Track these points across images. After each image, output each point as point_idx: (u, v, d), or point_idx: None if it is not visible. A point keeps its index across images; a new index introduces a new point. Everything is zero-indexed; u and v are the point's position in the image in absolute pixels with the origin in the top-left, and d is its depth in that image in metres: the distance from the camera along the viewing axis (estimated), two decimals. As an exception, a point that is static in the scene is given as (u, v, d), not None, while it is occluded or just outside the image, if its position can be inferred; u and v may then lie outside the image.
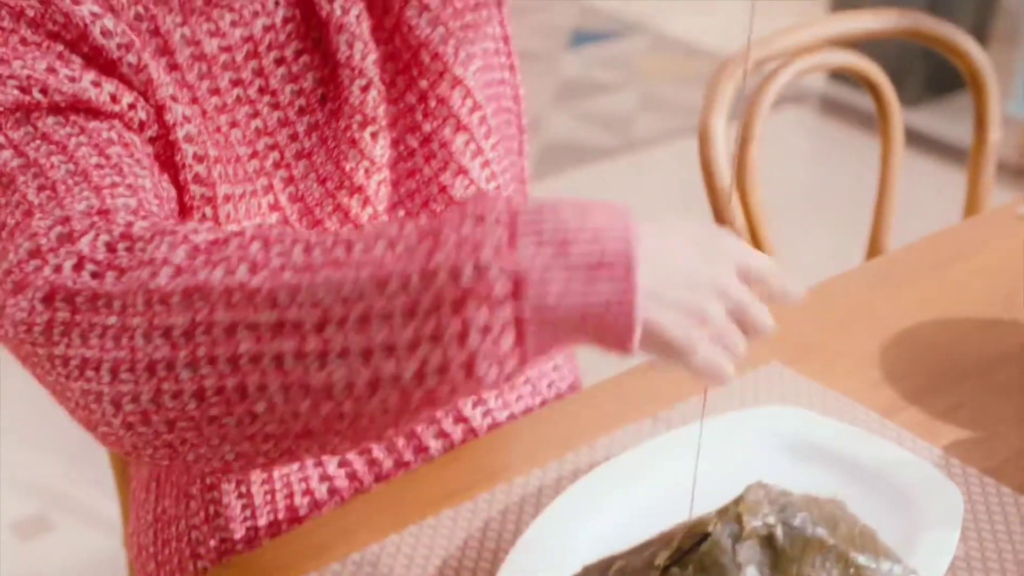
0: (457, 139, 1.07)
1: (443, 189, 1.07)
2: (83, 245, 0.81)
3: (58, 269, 0.81)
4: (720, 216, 1.42)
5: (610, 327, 0.74)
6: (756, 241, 1.46)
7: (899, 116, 1.54)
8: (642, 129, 3.66)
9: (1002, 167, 2.75)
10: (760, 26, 1.35)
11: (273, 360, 0.75)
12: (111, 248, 0.81)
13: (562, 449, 1.08)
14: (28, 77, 0.87)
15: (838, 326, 1.23)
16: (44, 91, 0.87)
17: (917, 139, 3.43)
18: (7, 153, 0.86)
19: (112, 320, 0.79)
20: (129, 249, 0.81)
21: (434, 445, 1.12)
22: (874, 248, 1.59)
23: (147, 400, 0.79)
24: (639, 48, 4.20)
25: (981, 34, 3.60)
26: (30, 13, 0.89)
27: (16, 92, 0.86)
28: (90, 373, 0.80)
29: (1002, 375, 1.16)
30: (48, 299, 0.80)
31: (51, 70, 0.88)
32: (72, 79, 0.88)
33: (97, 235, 0.82)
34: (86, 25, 0.89)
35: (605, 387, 1.17)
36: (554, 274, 0.73)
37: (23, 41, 0.88)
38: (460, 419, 1.12)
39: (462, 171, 1.08)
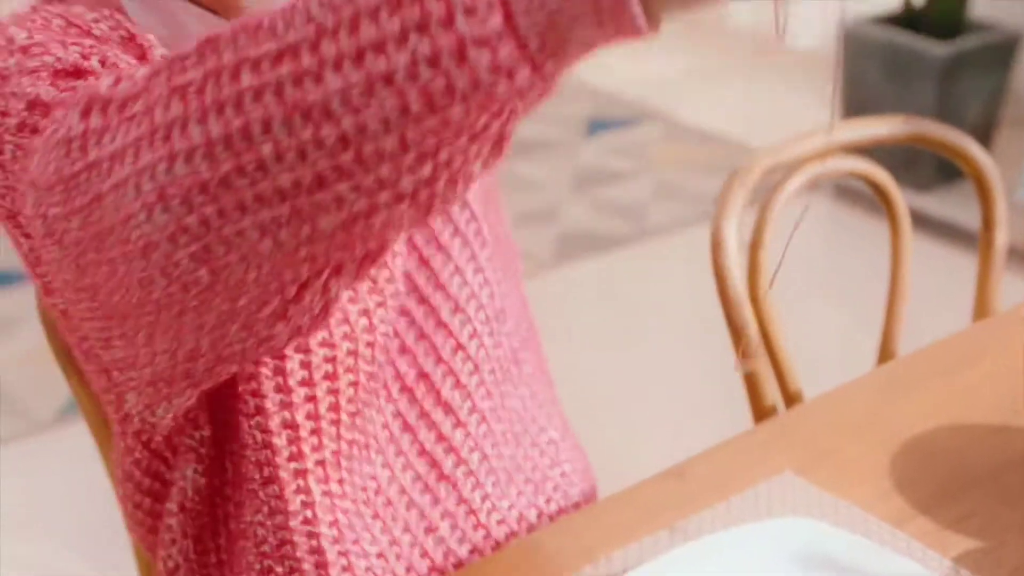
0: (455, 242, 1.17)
1: None
2: (123, 67, 0.87)
3: (96, 87, 0.85)
4: (732, 321, 1.45)
5: None
6: (768, 345, 1.49)
7: (908, 222, 1.58)
8: (657, 217, 3.70)
9: (1012, 252, 2.77)
10: (774, 127, 1.39)
11: (274, 91, 0.75)
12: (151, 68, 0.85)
13: (580, 561, 1.10)
14: (91, 46, 0.94)
15: (849, 434, 1.26)
16: (103, 62, 0.93)
17: (929, 224, 3.46)
18: (56, 92, 0.92)
19: (138, 106, 0.81)
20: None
21: (443, 526, 1.16)
22: (886, 348, 1.62)
23: (163, 172, 0.79)
24: (653, 136, 4.26)
25: (990, 119, 3.64)
26: (97, 32, 0.97)
27: (76, 56, 0.93)
28: (116, 166, 0.82)
29: (1011, 482, 1.18)
30: (85, 112, 0.85)
31: (111, 56, 0.95)
32: (129, 64, 0.95)
33: (140, 67, 0.86)
34: (149, 47, 0.98)
35: (621, 497, 1.19)
36: None
37: None
38: (462, 500, 1.17)
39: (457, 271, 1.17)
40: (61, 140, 0.86)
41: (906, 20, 3.68)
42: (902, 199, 1.57)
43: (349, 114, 0.74)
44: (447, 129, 0.75)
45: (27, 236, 0.98)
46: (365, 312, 1.10)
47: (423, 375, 1.15)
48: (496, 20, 0.71)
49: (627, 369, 2.99)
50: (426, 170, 0.77)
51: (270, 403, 1.07)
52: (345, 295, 1.06)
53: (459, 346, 1.16)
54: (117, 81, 0.85)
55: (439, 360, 1.15)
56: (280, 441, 1.08)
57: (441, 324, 1.16)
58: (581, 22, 0.71)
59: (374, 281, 1.11)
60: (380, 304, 1.11)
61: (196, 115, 0.78)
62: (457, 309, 1.17)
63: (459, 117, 0.74)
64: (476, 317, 1.18)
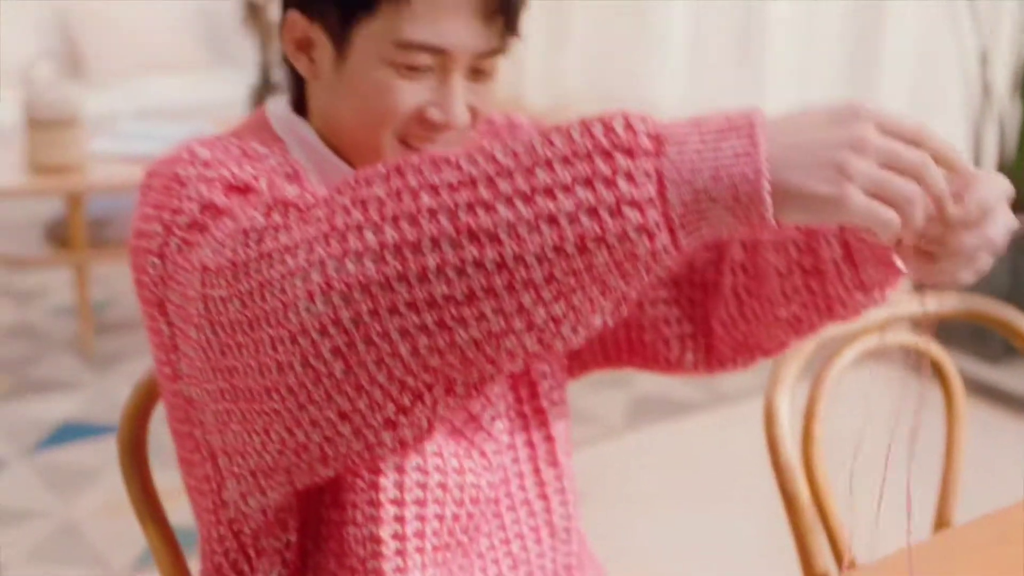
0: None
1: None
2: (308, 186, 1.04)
3: (281, 191, 0.99)
4: (785, 490, 1.48)
5: (741, 182, 0.84)
6: (823, 515, 1.51)
7: (962, 395, 1.61)
8: (729, 384, 3.73)
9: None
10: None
11: (448, 213, 0.87)
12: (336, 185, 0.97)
13: None
14: (262, 171, 1.08)
15: (897, 603, 1.28)
16: (271, 186, 1.06)
17: (1000, 397, 3.46)
18: (227, 201, 1.04)
19: (319, 212, 0.93)
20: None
21: None
22: (942, 516, 1.64)
23: (333, 267, 0.90)
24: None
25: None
26: (271, 163, 1.13)
27: (249, 175, 1.06)
28: (288, 257, 0.92)
29: (1058, 656, 1.19)
30: (268, 210, 0.97)
31: (278, 182, 1.08)
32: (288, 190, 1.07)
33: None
34: (308, 184, 1.12)
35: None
36: (689, 139, 0.85)
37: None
38: None
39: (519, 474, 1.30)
40: (240, 230, 0.97)
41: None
42: (955, 372, 1.61)
43: (512, 243, 0.86)
44: (588, 274, 0.87)
45: (170, 324, 1.08)
46: (457, 455, 1.18)
47: (479, 554, 1.25)
48: (651, 188, 0.85)
49: (691, 533, 2.99)
50: (559, 308, 0.89)
51: (360, 515, 1.15)
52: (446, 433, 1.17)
53: (506, 539, 1.28)
54: (302, 192, 0.98)
55: (491, 546, 1.26)
56: (363, 551, 1.14)
57: (498, 515, 1.27)
58: (720, 205, 0.85)
59: (471, 440, 1.20)
60: (468, 456, 1.19)
61: (374, 223, 0.89)
62: (511, 507, 1.28)
63: (601, 265, 0.86)
64: (526, 522, 1.29)
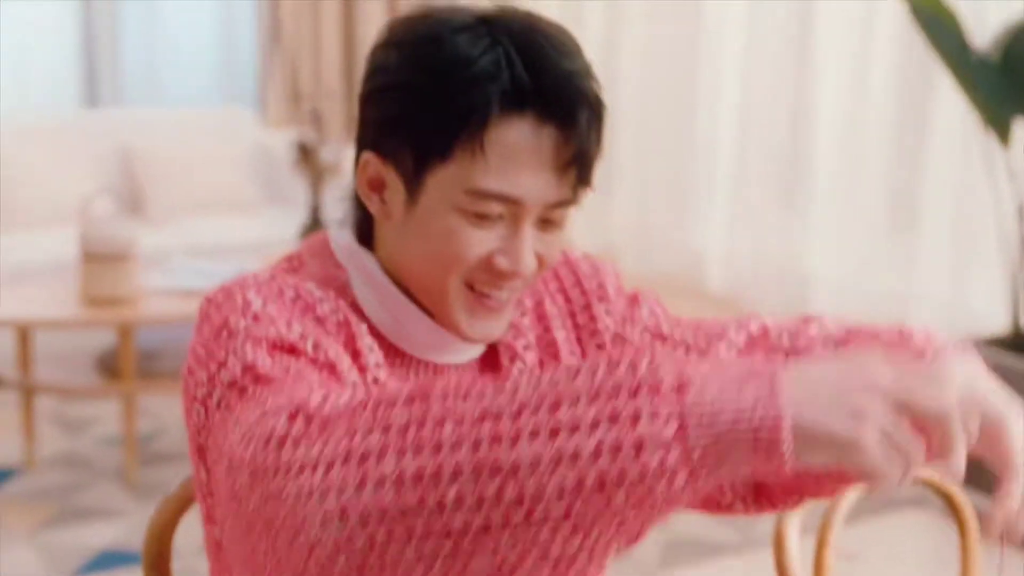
0: None
1: None
2: (328, 378, 1.05)
3: (306, 398, 0.97)
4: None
5: (760, 426, 0.85)
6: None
7: (976, 532, 1.63)
8: (764, 527, 3.72)
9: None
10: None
11: (471, 445, 0.87)
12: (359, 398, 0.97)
13: None
14: (310, 330, 1.11)
15: None
16: (316, 347, 1.09)
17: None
18: (270, 363, 1.06)
19: (339, 429, 0.93)
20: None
21: None
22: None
23: (351, 490, 0.89)
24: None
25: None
26: (319, 312, 1.15)
27: (296, 336, 1.09)
28: (307, 472, 0.92)
29: None
30: (291, 416, 0.96)
31: (324, 342, 1.10)
32: (337, 353, 1.10)
33: (346, 391, 0.99)
34: (358, 336, 1.15)
35: None
36: (711, 382, 0.86)
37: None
38: None
39: None
40: (263, 433, 0.97)
41: (1014, 343, 3.74)
42: (971, 509, 1.63)
43: (532, 479, 0.87)
44: (607, 510, 0.87)
45: (208, 470, 1.11)
46: None
47: None
48: (672, 429, 0.86)
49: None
50: (575, 541, 0.89)
51: None
52: None
53: None
54: (326, 399, 0.97)
55: None
56: None
57: None
58: (739, 447, 0.87)
59: None
60: None
61: (395, 449, 0.90)
62: None
63: (620, 503, 0.87)
64: None
